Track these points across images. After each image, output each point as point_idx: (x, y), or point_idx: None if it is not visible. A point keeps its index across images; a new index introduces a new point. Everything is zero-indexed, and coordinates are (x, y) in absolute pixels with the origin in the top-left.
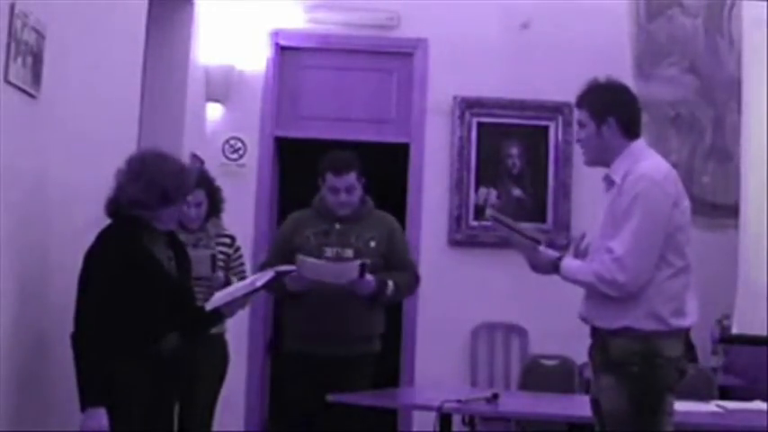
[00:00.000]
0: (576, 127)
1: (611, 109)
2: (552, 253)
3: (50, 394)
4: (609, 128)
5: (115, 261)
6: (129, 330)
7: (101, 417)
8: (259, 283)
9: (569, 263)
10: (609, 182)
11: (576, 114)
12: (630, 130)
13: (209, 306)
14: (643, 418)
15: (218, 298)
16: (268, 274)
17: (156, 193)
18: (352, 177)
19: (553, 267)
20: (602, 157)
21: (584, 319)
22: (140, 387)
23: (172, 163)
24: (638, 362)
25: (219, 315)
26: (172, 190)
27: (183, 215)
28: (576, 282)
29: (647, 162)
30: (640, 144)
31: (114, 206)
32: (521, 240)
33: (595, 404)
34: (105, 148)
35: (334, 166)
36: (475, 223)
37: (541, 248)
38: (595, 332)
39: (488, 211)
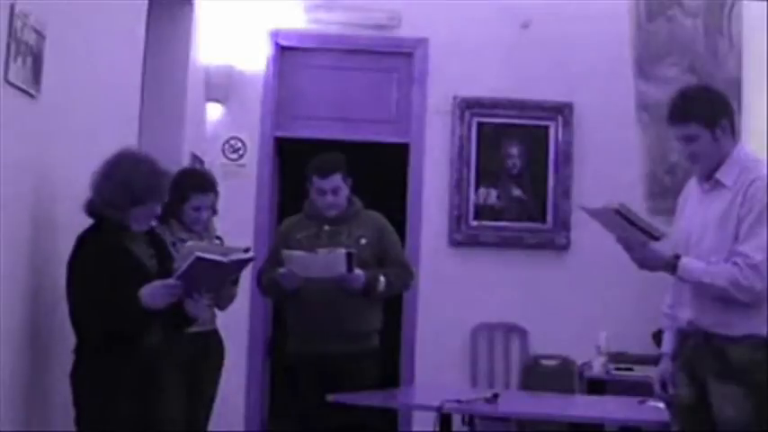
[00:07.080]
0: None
1: (723, 112)
2: (666, 250)
3: (52, 391)
4: (723, 132)
5: (95, 263)
6: (112, 328)
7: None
8: (228, 258)
9: (692, 264)
10: (715, 184)
11: (680, 131)
12: (736, 130)
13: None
14: (763, 427)
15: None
16: (241, 254)
17: (125, 195)
18: (337, 179)
19: (668, 266)
20: (714, 165)
21: (693, 324)
22: (127, 383)
23: (144, 165)
24: (765, 370)
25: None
26: (141, 192)
27: (193, 218)
28: (698, 283)
29: (764, 165)
30: (740, 145)
31: (92, 207)
32: (636, 236)
33: (689, 409)
34: (105, 149)
35: (319, 169)
36: (475, 223)
37: (652, 245)
38: (705, 337)
39: (615, 204)
